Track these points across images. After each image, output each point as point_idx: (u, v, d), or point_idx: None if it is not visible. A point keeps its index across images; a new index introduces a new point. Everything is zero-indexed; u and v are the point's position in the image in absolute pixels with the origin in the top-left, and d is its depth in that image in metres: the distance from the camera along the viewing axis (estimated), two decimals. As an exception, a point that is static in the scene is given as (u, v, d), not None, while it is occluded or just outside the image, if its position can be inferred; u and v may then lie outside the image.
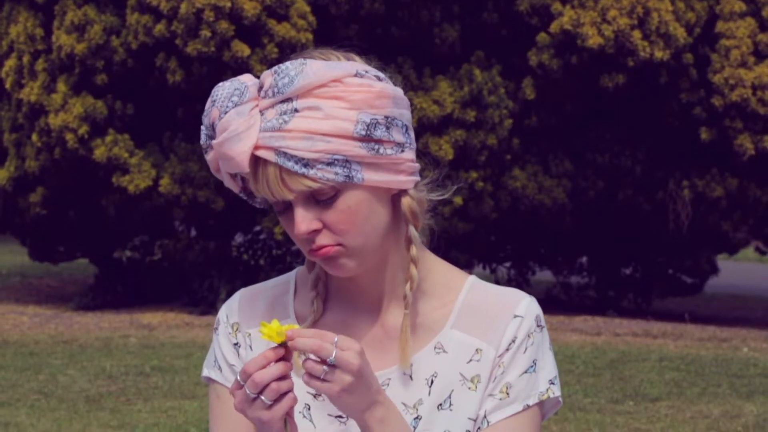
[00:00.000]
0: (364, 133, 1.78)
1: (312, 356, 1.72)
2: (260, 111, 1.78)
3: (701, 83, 11.76)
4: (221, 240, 12.46)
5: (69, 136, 11.28)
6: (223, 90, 1.80)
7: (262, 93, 1.79)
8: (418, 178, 1.85)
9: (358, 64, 1.82)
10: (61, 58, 11.37)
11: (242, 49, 10.83)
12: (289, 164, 1.76)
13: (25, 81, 11.69)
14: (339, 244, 1.81)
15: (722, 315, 13.85)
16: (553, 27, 11.29)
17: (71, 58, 11.28)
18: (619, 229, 12.76)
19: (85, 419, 7.26)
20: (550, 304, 13.16)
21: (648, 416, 7.50)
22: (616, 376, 8.82)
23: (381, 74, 1.83)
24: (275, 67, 1.79)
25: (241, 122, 1.77)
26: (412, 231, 1.87)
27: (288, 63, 1.79)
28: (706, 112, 11.70)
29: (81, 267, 15.61)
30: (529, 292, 1.90)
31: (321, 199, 1.79)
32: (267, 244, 12.87)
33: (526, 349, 1.89)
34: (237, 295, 1.98)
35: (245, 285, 2.06)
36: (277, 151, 1.76)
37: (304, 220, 1.79)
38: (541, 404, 1.91)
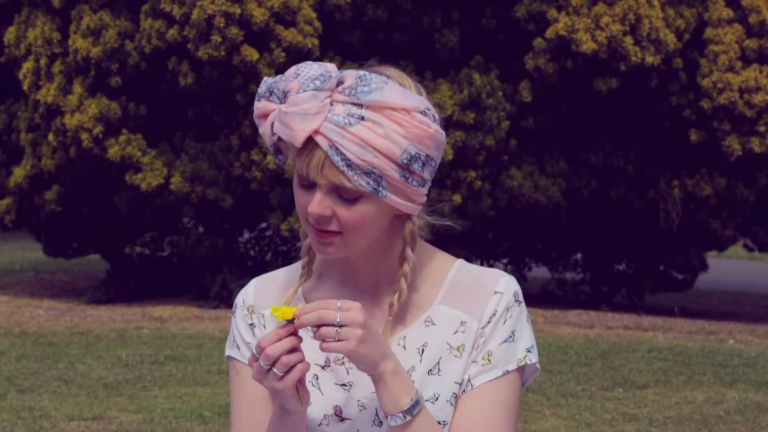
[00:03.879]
0: (406, 161, 1.95)
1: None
2: (332, 102, 1.93)
3: (690, 87, 11.77)
4: (229, 236, 12.57)
5: (84, 136, 11.37)
6: (310, 70, 1.94)
7: (340, 88, 1.94)
8: (421, 207, 2.03)
9: (425, 101, 2.00)
10: (77, 61, 11.44)
11: (251, 54, 10.91)
12: (336, 158, 1.92)
13: (42, 83, 11.76)
14: (340, 233, 1.98)
15: (712, 310, 13.86)
16: (549, 33, 11.29)
17: (87, 60, 11.36)
18: (612, 226, 12.78)
19: (105, 404, 7.42)
20: (546, 299, 13.20)
21: (636, 402, 7.66)
22: (607, 366, 8.94)
23: (436, 115, 2.01)
24: (361, 72, 1.97)
25: (314, 104, 1.92)
26: (408, 252, 2.03)
27: (373, 75, 1.96)
28: (695, 115, 11.72)
29: (92, 262, 15.68)
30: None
31: (343, 196, 1.96)
32: (273, 241, 12.97)
33: (505, 321, 2.04)
34: (252, 282, 2.15)
35: None
36: (331, 144, 1.92)
37: (320, 205, 1.95)
38: (520, 371, 2.06)
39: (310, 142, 1.93)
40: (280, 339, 1.90)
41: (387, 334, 2.03)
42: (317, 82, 1.93)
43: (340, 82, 1.95)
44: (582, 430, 6.91)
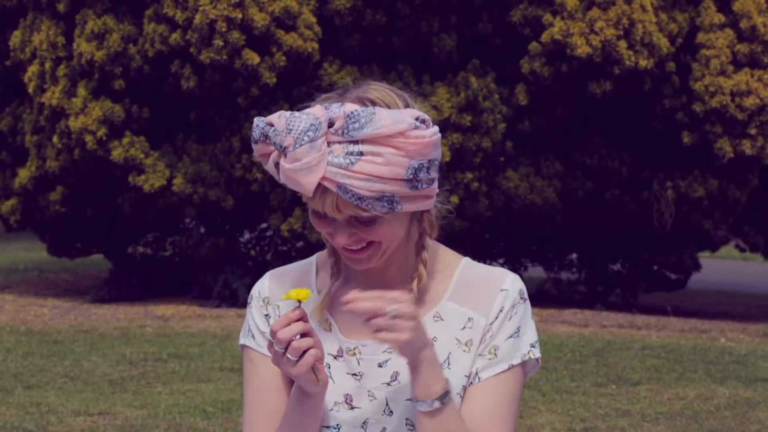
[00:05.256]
0: (412, 176, 2.01)
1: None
2: (328, 143, 1.99)
3: (683, 90, 11.83)
4: (230, 237, 12.66)
5: (88, 138, 11.43)
6: (299, 123, 1.99)
7: (332, 129, 1.99)
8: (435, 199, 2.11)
9: (416, 112, 2.03)
10: (81, 65, 11.51)
11: (252, 58, 10.98)
12: (347, 196, 1.99)
13: (47, 86, 11.80)
14: (370, 243, 2.07)
15: (705, 310, 13.90)
16: (544, 37, 11.36)
17: (91, 64, 11.43)
18: (607, 227, 12.84)
19: (110, 400, 7.52)
20: (542, 298, 13.27)
21: (629, 398, 7.76)
22: (601, 363, 9.02)
23: (426, 117, 2.04)
24: (349, 111, 2.00)
25: (314, 156, 1.98)
26: (428, 240, 2.13)
27: (360, 109, 2.00)
28: (687, 117, 11.78)
29: (95, 262, 15.73)
30: None
31: (362, 221, 2.05)
32: (273, 241, 13.03)
33: (511, 317, 2.13)
34: (267, 275, 2.22)
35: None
36: (340, 186, 1.99)
37: (343, 237, 2.05)
38: (523, 364, 2.14)
39: (319, 187, 2.00)
40: (290, 323, 1.98)
41: None
42: (310, 134, 1.98)
43: (330, 123, 2.00)
44: (576, 425, 7.00)
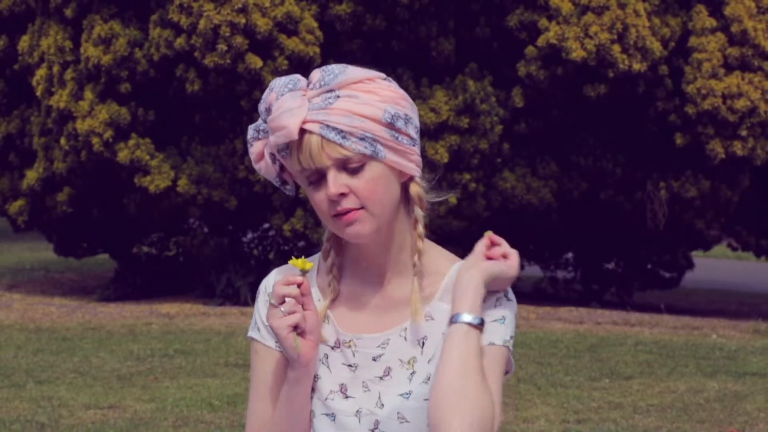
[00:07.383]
0: (389, 120, 2.12)
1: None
2: (308, 99, 2.12)
3: (676, 93, 11.88)
4: (233, 236, 12.76)
5: (95, 140, 11.51)
6: (279, 80, 2.15)
7: (311, 86, 2.13)
8: (420, 171, 2.20)
9: (385, 76, 2.18)
10: (88, 68, 11.59)
11: (255, 62, 11.07)
12: (331, 135, 2.09)
13: (55, 89, 11.89)
14: (362, 208, 2.11)
15: (698, 307, 13.96)
16: (540, 41, 11.43)
17: (98, 68, 11.51)
18: (602, 226, 12.89)
19: (119, 394, 7.61)
20: (538, 296, 13.33)
21: (621, 391, 7.84)
22: (595, 358, 9.09)
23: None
24: (323, 67, 2.15)
25: (294, 102, 2.11)
26: (418, 212, 2.19)
27: (334, 65, 2.15)
28: (680, 119, 11.83)
29: (100, 262, 15.78)
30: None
31: (350, 168, 2.10)
32: (275, 240, 13.08)
33: (497, 306, 2.20)
34: (273, 271, 2.29)
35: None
36: (322, 124, 2.09)
37: (335, 184, 2.10)
38: (503, 350, 2.17)
39: (303, 135, 2.10)
40: (290, 284, 2.12)
41: (416, 291, 2.19)
42: (290, 86, 2.13)
43: (309, 83, 2.15)
44: (570, 417, 7.11)
